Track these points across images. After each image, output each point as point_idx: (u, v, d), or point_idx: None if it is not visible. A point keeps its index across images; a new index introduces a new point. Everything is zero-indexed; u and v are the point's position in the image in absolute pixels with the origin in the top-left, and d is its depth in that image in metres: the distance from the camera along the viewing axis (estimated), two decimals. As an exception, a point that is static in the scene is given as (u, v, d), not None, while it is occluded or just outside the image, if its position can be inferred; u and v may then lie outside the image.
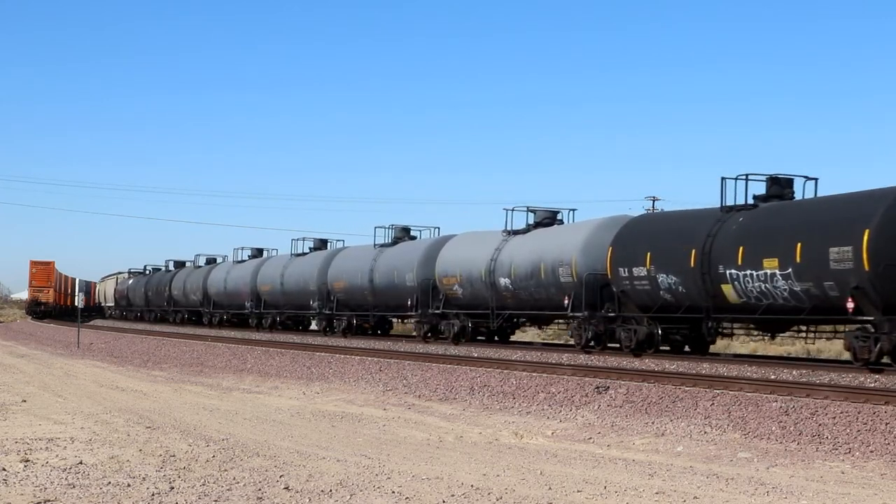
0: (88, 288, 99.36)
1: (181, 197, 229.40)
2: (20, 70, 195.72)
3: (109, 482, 11.14)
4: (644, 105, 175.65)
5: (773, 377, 21.16)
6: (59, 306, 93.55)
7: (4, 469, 11.91)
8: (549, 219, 34.36)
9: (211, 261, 66.91)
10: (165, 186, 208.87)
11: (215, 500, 10.30)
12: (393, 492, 10.78)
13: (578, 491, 11.04)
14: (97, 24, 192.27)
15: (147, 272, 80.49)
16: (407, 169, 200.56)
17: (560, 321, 34.40)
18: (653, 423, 16.85)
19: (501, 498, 10.54)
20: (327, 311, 45.63)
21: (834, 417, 15.43)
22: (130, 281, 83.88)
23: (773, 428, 15.43)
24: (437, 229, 41.84)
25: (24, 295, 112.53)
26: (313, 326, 51.96)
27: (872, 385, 19.27)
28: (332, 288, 45.07)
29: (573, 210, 35.03)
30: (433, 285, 37.04)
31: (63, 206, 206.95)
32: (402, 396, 22.10)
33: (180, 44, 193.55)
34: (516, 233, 34.54)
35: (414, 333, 39.93)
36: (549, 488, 11.14)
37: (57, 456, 12.99)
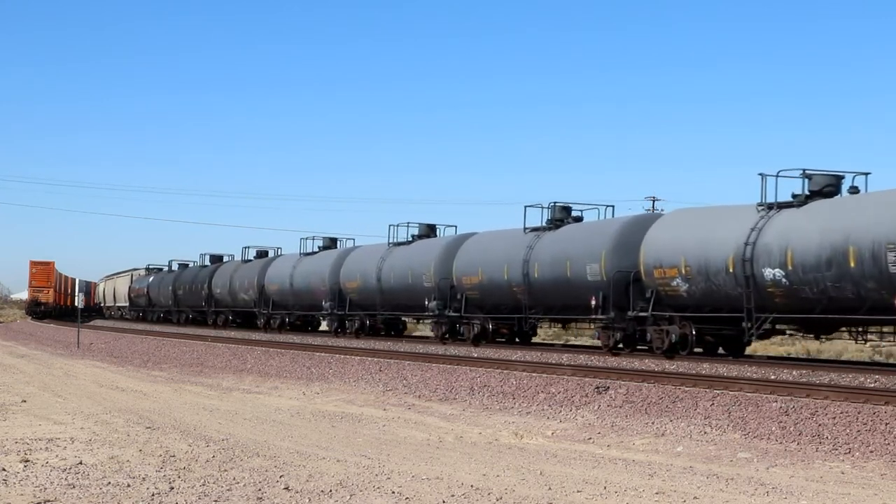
0: (88, 288, 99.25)
1: (181, 197, 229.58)
2: (20, 70, 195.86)
3: (109, 482, 11.14)
4: (644, 105, 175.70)
5: (773, 377, 21.17)
6: (58, 306, 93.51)
7: (4, 469, 11.92)
8: (831, 185, 24.80)
9: (262, 254, 57.61)
10: (165, 186, 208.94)
11: (215, 501, 10.30)
12: (393, 492, 10.79)
13: (578, 491, 11.04)
14: (97, 24, 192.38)
15: (173, 268, 72.56)
16: (407, 169, 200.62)
17: (853, 329, 25.28)
18: (653, 423, 16.86)
19: (501, 498, 10.54)
20: (452, 313, 36.08)
21: (834, 417, 15.44)
22: (151, 278, 75.20)
23: (773, 428, 15.43)
24: (610, 207, 32.90)
25: (24, 295, 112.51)
26: (418, 331, 45.16)
27: (872, 385, 19.28)
28: (459, 284, 35.67)
29: (866, 174, 24.91)
30: (633, 279, 27.97)
31: (62, 206, 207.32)
32: (402, 396, 22.11)
33: (180, 44, 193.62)
34: (783, 206, 24.82)
35: (597, 342, 30.58)
36: (549, 488, 11.14)
37: (57, 456, 12.99)
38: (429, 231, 41.54)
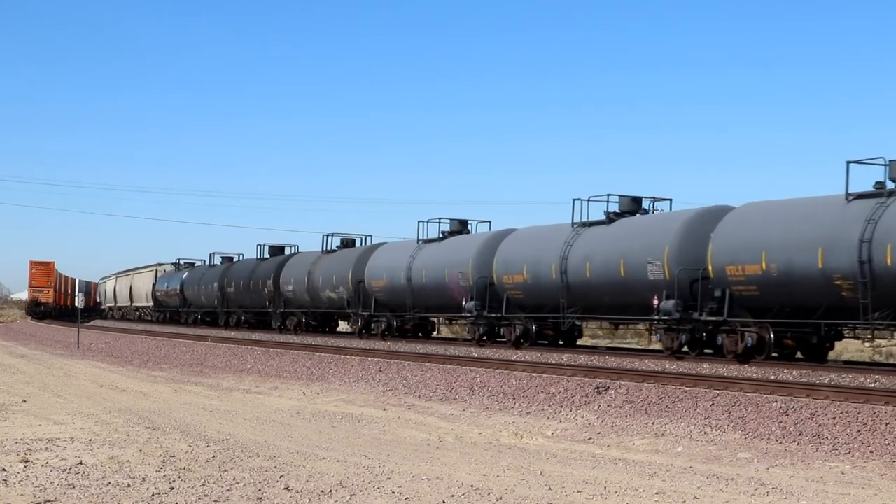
0: (88, 288, 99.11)
1: (181, 197, 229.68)
2: (20, 70, 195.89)
3: (109, 482, 11.14)
4: (644, 105, 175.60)
5: (773, 377, 21.17)
6: (58, 307, 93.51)
7: (4, 469, 11.91)
8: None
9: (348, 243, 46.87)
10: (164, 186, 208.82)
11: (215, 501, 10.30)
12: (393, 492, 10.79)
13: (578, 491, 11.04)
14: (97, 24, 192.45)
15: (215, 262, 62.34)
16: (407, 169, 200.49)
17: None
18: (653, 423, 16.85)
19: (501, 498, 10.54)
20: (707, 317, 25.30)
21: (834, 418, 15.44)
22: (186, 274, 65.61)
23: (773, 428, 15.44)
24: None
25: (24, 295, 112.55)
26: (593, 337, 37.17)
27: (872, 385, 19.28)
28: (720, 276, 25.21)
29: None
30: None
31: (62, 206, 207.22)
32: (402, 397, 22.10)
33: (181, 44, 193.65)
34: None
35: None
36: (549, 488, 11.14)
37: (57, 456, 12.99)
38: (634, 206, 30.82)
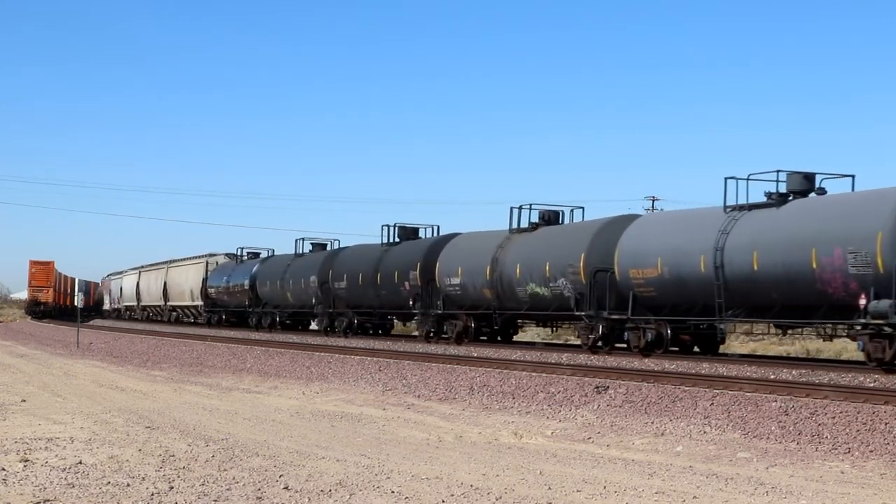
0: (88, 288, 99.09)
1: (181, 197, 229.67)
2: (20, 70, 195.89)
3: (109, 482, 11.14)
4: (644, 105, 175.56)
5: (772, 377, 21.16)
6: (58, 306, 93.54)
7: (4, 469, 11.91)
8: None
9: (550, 217, 33.43)
10: (165, 186, 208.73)
11: (215, 500, 10.30)
12: (392, 492, 10.79)
13: (578, 491, 11.04)
14: (97, 24, 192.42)
15: (303, 250, 49.68)
16: (408, 169, 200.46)
17: None
18: (652, 423, 16.86)
19: (501, 498, 10.54)
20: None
21: (833, 417, 15.45)
22: (256, 266, 53.38)
23: (773, 428, 15.44)
24: None
25: (23, 295, 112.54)
26: None
27: (872, 385, 19.27)
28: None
29: None
30: None
31: (63, 206, 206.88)
32: (401, 396, 22.10)
33: (180, 44, 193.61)
34: None
35: None
36: (549, 488, 11.14)
37: (56, 456, 12.99)
38: None
